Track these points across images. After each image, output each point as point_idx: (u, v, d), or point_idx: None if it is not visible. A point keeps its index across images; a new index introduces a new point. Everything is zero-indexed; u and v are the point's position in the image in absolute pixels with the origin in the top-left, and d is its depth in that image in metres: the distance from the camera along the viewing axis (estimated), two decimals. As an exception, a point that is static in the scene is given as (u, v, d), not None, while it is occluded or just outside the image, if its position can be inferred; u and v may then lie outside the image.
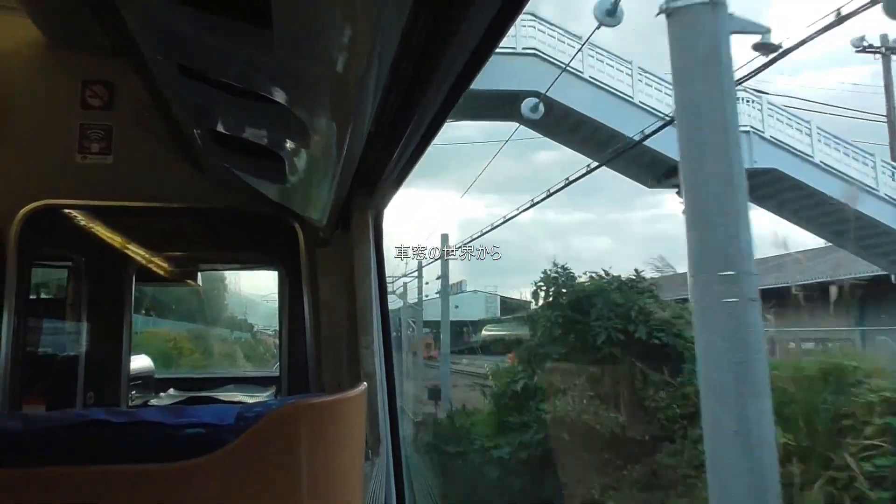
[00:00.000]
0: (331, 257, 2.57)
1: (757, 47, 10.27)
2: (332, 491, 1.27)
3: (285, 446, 1.11)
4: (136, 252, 3.82)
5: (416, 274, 31.12)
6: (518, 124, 14.87)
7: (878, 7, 8.85)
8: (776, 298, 11.63)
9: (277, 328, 3.68)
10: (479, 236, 18.77)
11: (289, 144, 1.69)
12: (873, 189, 16.12)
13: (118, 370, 3.64)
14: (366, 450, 2.31)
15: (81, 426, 1.09)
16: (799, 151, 15.74)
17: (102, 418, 1.11)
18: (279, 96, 1.40)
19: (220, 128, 1.77)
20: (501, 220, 17.55)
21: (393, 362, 2.73)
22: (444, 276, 27.20)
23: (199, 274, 5.46)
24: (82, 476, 1.01)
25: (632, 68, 15.27)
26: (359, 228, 2.38)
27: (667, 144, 11.28)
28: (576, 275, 14.49)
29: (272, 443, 1.10)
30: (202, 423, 1.15)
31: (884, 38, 20.08)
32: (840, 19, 9.28)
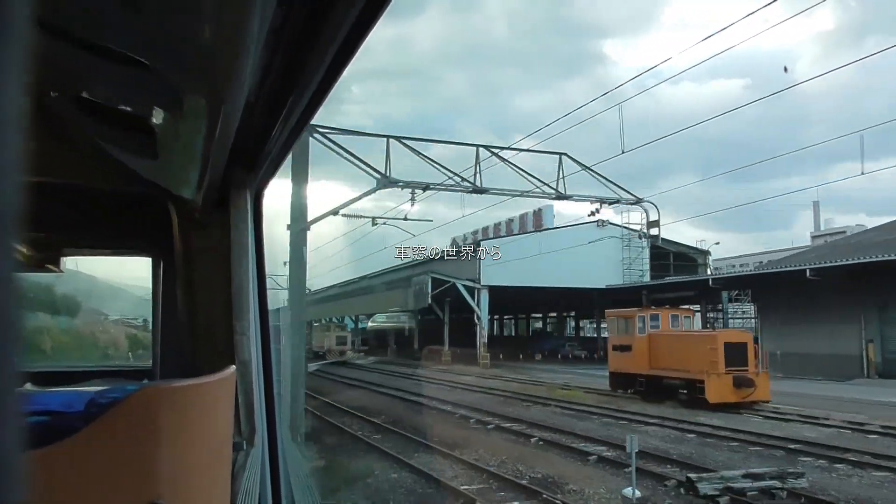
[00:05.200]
0: (208, 240, 2.43)
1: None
2: (195, 481, 1.20)
3: (141, 434, 1.03)
4: None
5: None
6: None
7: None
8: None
9: (151, 318, 3.46)
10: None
11: (160, 116, 1.57)
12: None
13: None
14: (240, 440, 2.21)
15: None
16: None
17: None
18: (149, 61, 1.29)
19: (84, 94, 1.62)
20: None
21: (270, 348, 2.64)
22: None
23: (62, 260, 5.05)
24: None
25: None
26: (236, 208, 2.26)
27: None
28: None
29: (126, 431, 1.01)
30: (48, 411, 1.05)
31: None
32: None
